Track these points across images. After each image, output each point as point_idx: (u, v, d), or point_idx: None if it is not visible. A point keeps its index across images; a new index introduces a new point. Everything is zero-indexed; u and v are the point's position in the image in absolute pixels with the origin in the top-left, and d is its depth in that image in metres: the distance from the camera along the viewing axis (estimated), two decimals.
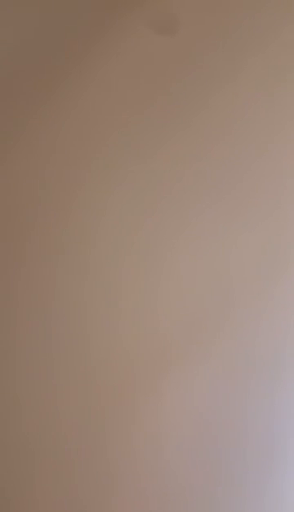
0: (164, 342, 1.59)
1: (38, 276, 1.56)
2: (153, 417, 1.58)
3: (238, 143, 1.61)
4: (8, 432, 1.55)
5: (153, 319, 1.58)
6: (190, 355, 1.59)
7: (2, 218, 1.56)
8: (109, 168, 1.58)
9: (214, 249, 1.60)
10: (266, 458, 1.60)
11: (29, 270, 1.56)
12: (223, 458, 1.59)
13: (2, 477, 1.55)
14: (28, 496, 1.55)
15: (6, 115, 1.56)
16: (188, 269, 1.59)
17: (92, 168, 1.58)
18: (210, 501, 1.59)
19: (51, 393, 1.55)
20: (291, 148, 1.62)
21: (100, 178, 1.58)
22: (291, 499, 1.60)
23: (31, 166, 1.56)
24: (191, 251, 1.59)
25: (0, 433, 1.55)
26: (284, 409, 1.60)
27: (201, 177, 1.60)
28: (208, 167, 1.60)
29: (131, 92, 1.59)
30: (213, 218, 1.60)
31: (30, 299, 1.56)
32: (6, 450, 1.55)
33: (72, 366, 1.56)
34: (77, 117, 1.58)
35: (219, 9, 1.61)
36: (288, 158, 1.62)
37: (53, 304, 1.56)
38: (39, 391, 1.55)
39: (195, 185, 1.60)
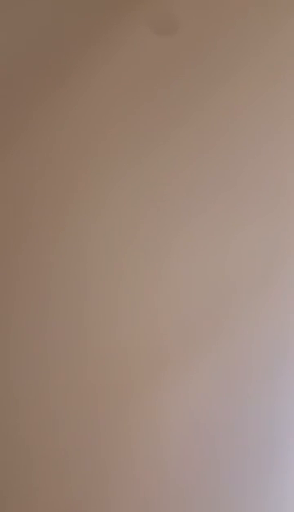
0: (162, 340, 1.58)
1: (36, 277, 1.56)
2: (152, 416, 1.57)
3: (236, 141, 1.61)
4: (6, 427, 1.55)
5: (152, 317, 1.58)
6: (188, 354, 1.59)
7: (2, 218, 1.57)
8: (108, 166, 1.58)
9: (213, 247, 1.60)
10: (266, 458, 1.59)
11: (26, 272, 1.56)
12: (222, 458, 1.59)
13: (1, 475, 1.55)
14: (26, 494, 1.55)
15: (6, 114, 1.57)
16: (186, 267, 1.59)
17: (91, 167, 1.58)
18: (209, 501, 1.58)
19: (48, 391, 1.55)
20: (289, 146, 1.62)
21: (98, 176, 1.58)
22: (291, 499, 1.59)
23: (31, 163, 1.57)
24: (190, 248, 1.59)
25: None
26: (283, 408, 1.59)
27: (200, 174, 1.60)
28: (207, 165, 1.61)
29: (131, 91, 1.60)
30: (212, 216, 1.60)
31: (28, 304, 1.56)
32: (5, 446, 1.55)
33: (69, 365, 1.55)
34: (77, 116, 1.59)
35: (218, 8, 1.62)
36: (287, 157, 1.63)
37: (50, 305, 1.56)
38: (36, 388, 1.54)
39: (194, 183, 1.60)
